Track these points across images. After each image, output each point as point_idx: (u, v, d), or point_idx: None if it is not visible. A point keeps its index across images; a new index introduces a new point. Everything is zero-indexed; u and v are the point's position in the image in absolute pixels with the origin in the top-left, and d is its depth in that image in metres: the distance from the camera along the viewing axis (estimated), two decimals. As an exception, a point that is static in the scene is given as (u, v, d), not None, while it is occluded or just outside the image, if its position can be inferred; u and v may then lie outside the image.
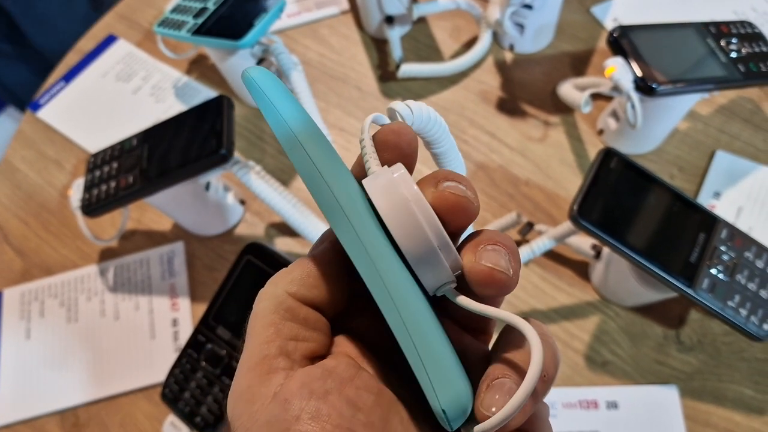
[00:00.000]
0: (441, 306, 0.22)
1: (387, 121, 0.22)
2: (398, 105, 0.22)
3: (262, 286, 0.22)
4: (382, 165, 0.20)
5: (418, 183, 0.20)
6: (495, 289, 0.19)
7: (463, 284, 0.20)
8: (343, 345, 0.22)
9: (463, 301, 0.20)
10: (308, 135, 0.19)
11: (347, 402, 0.19)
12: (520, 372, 0.19)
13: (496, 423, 0.18)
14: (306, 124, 0.20)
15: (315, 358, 0.21)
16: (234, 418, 0.19)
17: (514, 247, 0.20)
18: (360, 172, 0.21)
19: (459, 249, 0.21)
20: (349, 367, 0.20)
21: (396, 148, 0.21)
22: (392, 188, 0.19)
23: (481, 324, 0.23)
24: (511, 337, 0.21)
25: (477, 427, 0.18)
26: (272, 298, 0.21)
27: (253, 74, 0.20)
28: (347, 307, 0.23)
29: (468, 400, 0.18)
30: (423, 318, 0.18)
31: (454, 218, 0.20)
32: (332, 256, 0.22)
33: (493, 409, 0.18)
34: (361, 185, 0.20)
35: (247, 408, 0.19)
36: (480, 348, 0.23)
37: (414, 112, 0.22)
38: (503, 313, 0.19)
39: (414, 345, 0.18)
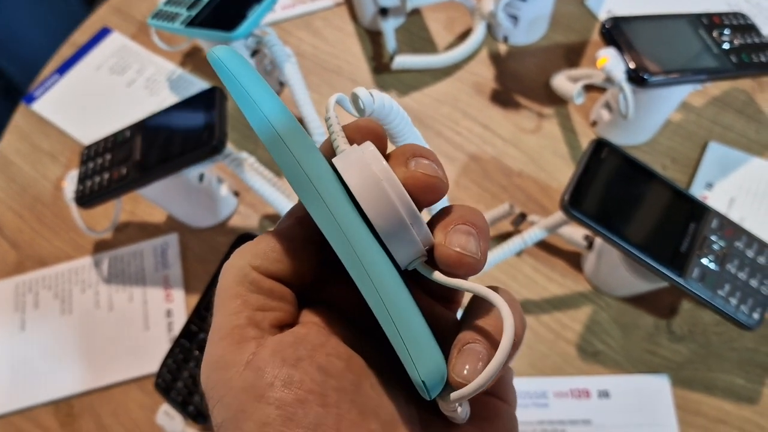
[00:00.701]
0: (411, 276, 0.22)
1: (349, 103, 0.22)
2: (361, 91, 0.22)
3: None
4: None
5: (387, 159, 0.21)
6: (463, 272, 0.20)
7: (432, 257, 0.20)
8: (311, 315, 0.22)
9: (437, 276, 0.20)
10: (277, 115, 0.19)
11: (318, 368, 0.19)
12: (490, 337, 0.20)
13: (474, 389, 0.18)
14: (275, 104, 0.20)
15: (283, 326, 0.21)
16: (208, 387, 0.20)
17: (483, 224, 0.21)
18: (329, 152, 0.21)
19: (430, 224, 0.21)
20: (319, 335, 0.21)
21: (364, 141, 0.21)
22: (363, 166, 0.19)
23: (450, 293, 0.24)
24: (479, 304, 0.21)
25: (453, 394, 0.19)
26: (237, 270, 0.21)
27: (219, 54, 0.20)
28: (314, 281, 0.23)
29: (444, 369, 0.19)
30: (398, 293, 0.19)
31: (425, 197, 0.20)
32: (297, 232, 0.22)
33: (465, 372, 0.19)
34: (332, 164, 0.20)
35: (221, 376, 0.20)
36: (449, 316, 0.23)
37: (375, 100, 0.22)
38: (475, 285, 0.20)
39: (392, 320, 0.18)
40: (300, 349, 0.20)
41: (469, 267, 0.20)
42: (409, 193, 0.19)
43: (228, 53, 0.20)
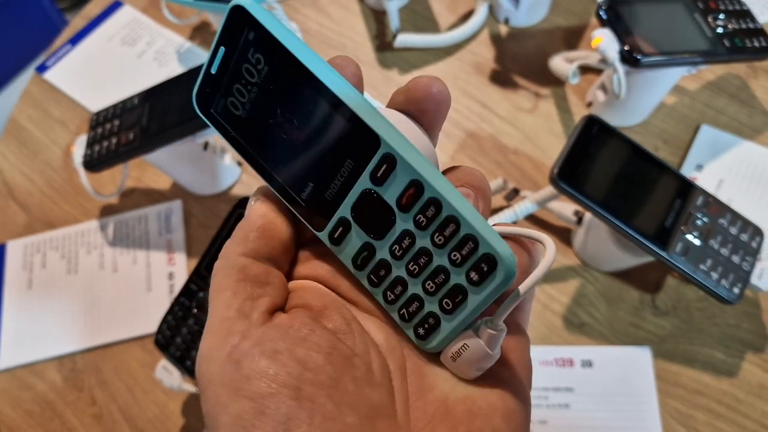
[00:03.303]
0: None
1: None
2: None
3: None
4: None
5: None
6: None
7: None
8: (306, 297, 0.23)
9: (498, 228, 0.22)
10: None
11: (296, 361, 0.20)
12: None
13: (526, 288, 0.21)
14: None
15: (275, 311, 0.22)
16: (199, 378, 0.21)
17: (482, 185, 0.23)
18: None
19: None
20: (303, 326, 0.21)
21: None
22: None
23: None
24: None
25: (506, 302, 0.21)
26: (224, 263, 0.23)
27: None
28: (298, 256, 0.25)
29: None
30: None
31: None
32: (267, 208, 0.23)
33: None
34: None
35: (206, 369, 0.21)
36: None
37: None
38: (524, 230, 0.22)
39: (466, 213, 0.20)
40: (280, 343, 0.20)
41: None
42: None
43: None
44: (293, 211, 0.23)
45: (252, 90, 0.22)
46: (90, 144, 0.61)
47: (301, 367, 0.20)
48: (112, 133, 0.60)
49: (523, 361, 0.23)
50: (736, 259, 0.50)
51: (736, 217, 0.52)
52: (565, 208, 0.58)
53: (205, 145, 0.63)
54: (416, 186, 0.20)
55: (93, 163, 0.59)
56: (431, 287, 0.21)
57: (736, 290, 0.49)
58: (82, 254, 0.66)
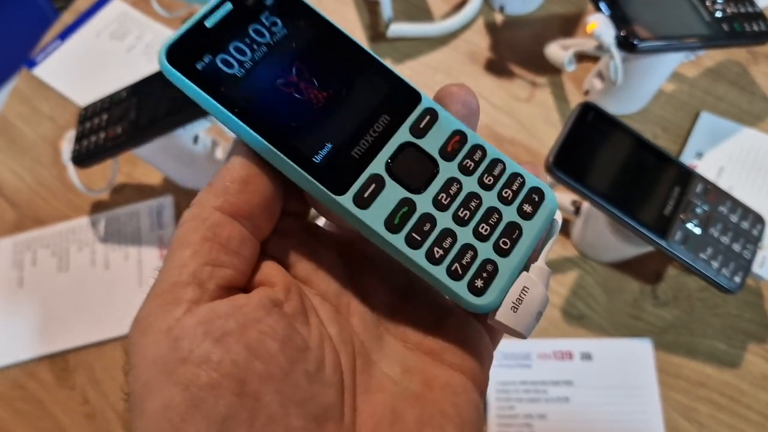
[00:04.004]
0: None
1: None
2: None
3: None
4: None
5: None
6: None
7: None
8: (270, 273, 0.21)
9: None
10: None
11: (246, 347, 0.17)
12: None
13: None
14: None
15: (232, 289, 0.19)
16: (128, 347, 0.18)
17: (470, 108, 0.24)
18: None
19: None
20: (259, 307, 0.19)
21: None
22: None
23: None
24: None
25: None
26: (195, 217, 0.20)
27: None
28: (280, 231, 0.22)
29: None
30: None
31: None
32: (256, 161, 0.20)
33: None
34: None
35: (140, 339, 0.18)
36: None
37: None
38: None
39: None
40: (230, 321, 0.18)
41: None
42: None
43: None
44: (308, 176, 0.20)
45: (258, 50, 0.22)
46: (78, 139, 0.60)
47: (251, 354, 0.17)
48: (100, 128, 0.59)
49: (481, 369, 0.22)
50: (736, 247, 0.49)
51: (736, 204, 0.51)
52: (562, 197, 0.57)
53: (195, 139, 0.62)
54: (460, 134, 0.22)
55: (81, 158, 0.58)
56: (485, 230, 0.21)
57: (737, 279, 0.48)
58: (73, 251, 0.65)
